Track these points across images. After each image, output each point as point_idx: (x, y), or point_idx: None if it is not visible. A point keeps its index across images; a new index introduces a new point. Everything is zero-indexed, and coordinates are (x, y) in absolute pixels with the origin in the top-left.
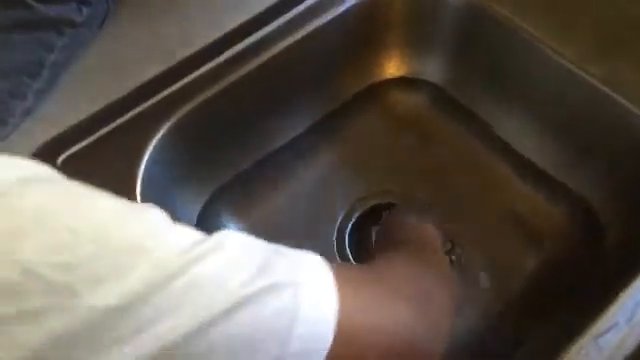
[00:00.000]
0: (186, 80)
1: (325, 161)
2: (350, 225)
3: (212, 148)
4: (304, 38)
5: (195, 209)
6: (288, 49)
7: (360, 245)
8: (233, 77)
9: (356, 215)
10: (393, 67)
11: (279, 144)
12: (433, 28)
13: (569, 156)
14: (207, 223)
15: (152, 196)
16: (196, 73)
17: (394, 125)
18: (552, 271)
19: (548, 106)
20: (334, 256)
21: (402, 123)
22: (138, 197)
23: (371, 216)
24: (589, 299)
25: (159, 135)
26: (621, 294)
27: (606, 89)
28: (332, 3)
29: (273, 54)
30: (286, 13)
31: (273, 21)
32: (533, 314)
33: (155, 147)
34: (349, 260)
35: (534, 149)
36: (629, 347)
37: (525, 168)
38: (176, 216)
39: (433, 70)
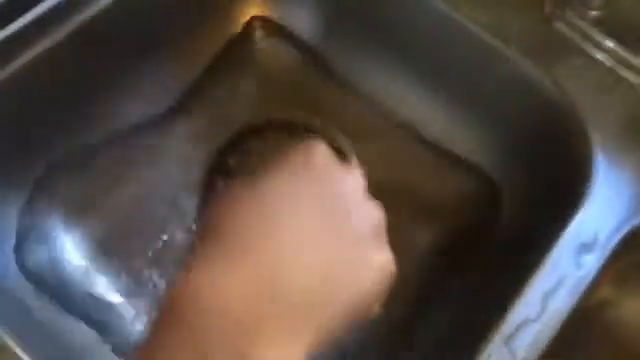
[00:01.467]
0: None
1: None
2: None
3: (33, 130)
4: None
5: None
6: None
7: None
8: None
9: None
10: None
11: (124, 127)
12: None
13: (460, 120)
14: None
15: None
16: None
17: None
18: (447, 250)
19: (435, 63)
20: None
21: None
22: None
23: None
24: (489, 284)
25: None
26: (527, 284)
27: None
28: None
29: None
30: None
31: None
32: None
33: None
34: None
35: (422, 115)
36: (544, 342)
37: (414, 137)
38: None
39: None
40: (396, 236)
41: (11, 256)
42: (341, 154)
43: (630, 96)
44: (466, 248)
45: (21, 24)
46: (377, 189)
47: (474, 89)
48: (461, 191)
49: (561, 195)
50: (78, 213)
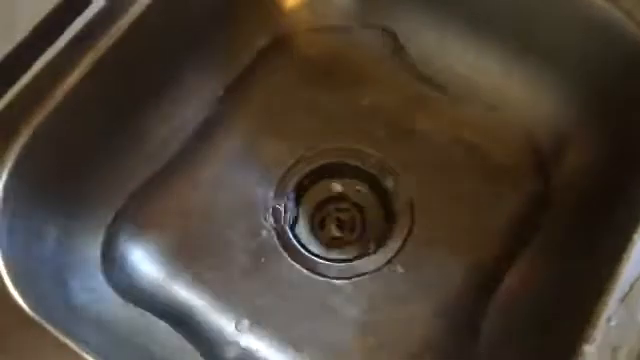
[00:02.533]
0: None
1: (239, 137)
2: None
3: (90, 158)
4: None
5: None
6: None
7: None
8: (87, 62)
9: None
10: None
11: (177, 134)
12: None
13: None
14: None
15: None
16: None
17: (310, 74)
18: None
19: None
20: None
21: (318, 70)
22: None
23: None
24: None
25: (10, 164)
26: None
27: None
28: None
29: (132, 20)
30: None
31: None
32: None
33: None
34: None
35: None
36: None
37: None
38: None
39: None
40: (478, 202)
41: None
42: None
43: None
44: (552, 209)
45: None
46: (446, 156)
47: (534, 37)
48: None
49: None
50: (150, 227)
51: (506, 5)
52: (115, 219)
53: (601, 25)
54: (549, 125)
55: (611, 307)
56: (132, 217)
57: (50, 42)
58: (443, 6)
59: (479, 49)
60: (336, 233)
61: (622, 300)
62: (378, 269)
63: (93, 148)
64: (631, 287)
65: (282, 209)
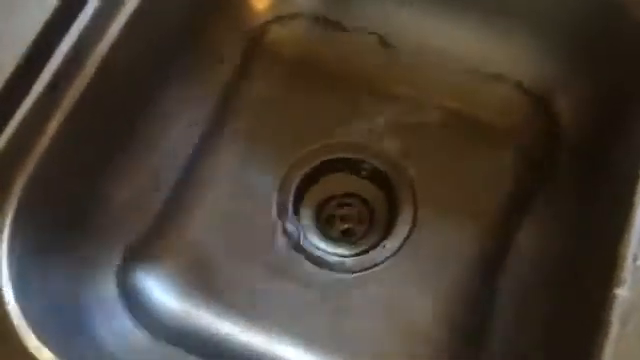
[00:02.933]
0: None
1: (235, 152)
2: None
3: (90, 196)
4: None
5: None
6: (124, 36)
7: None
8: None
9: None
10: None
11: (171, 161)
12: None
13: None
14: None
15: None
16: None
17: (291, 76)
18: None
19: None
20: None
21: (299, 69)
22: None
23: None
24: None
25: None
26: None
27: None
28: None
29: (108, 49)
30: None
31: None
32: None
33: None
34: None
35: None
36: None
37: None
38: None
39: None
40: (479, 169)
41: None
42: None
43: None
44: (553, 164)
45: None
46: (438, 129)
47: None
48: (524, 111)
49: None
50: (163, 259)
51: None
52: (127, 255)
53: None
54: (537, 82)
55: (634, 246)
56: (144, 251)
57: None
58: None
59: (452, 19)
60: (345, 227)
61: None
62: (392, 255)
63: (92, 185)
64: None
65: (289, 214)
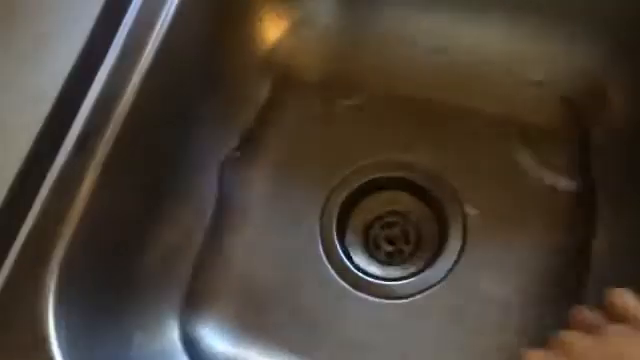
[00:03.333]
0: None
1: (269, 184)
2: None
3: (124, 246)
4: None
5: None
6: (146, 85)
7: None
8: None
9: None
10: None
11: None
12: None
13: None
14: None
15: None
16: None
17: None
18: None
19: None
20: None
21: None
22: None
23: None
24: None
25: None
26: None
27: None
28: None
29: (132, 102)
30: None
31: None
32: None
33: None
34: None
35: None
36: None
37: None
38: None
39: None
40: (526, 176)
41: None
42: None
43: None
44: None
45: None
46: (482, 138)
47: None
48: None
49: None
50: (216, 301)
51: None
52: (180, 306)
53: None
54: (578, 80)
55: None
56: (195, 300)
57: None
58: None
59: (475, 20)
60: (390, 249)
61: None
62: (447, 275)
63: (130, 241)
64: None
65: (333, 241)
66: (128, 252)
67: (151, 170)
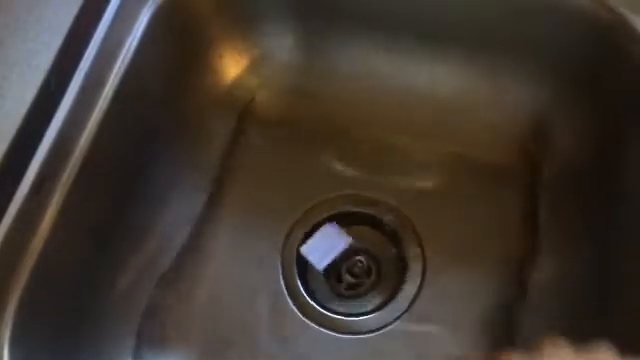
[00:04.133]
0: None
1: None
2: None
3: (86, 282)
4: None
5: None
6: (106, 123)
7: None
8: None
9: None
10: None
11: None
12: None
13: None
14: None
15: None
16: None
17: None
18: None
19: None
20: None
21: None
22: None
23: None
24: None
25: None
26: None
27: None
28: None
29: (91, 139)
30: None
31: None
32: None
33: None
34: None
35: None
36: None
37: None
38: None
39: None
40: (483, 211)
41: None
42: None
43: None
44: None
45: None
46: (436, 174)
47: (488, 34)
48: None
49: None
50: (173, 339)
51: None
52: (137, 341)
53: (541, 3)
54: (531, 115)
55: None
56: (154, 336)
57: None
58: (390, 30)
59: (433, 61)
60: (352, 283)
61: None
62: (406, 310)
63: (91, 278)
64: None
65: (294, 275)
66: (86, 293)
67: (110, 210)
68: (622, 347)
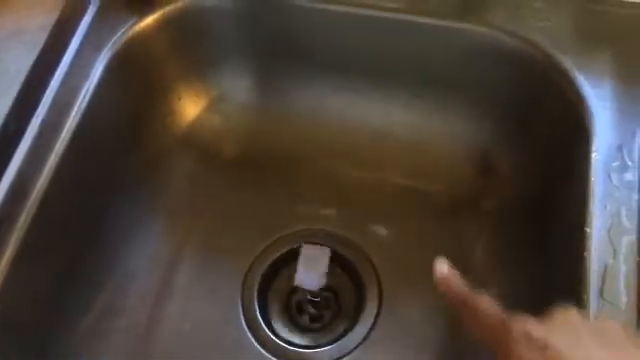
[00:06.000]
0: None
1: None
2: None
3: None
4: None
5: None
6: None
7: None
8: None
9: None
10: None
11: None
12: (213, 42)
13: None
14: None
15: None
16: None
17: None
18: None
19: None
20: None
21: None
22: None
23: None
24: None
25: None
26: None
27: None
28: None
29: (48, 182)
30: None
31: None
32: None
33: None
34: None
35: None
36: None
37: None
38: None
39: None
40: (435, 240)
41: None
42: None
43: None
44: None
45: None
46: (389, 207)
47: (431, 73)
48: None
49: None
50: None
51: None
52: None
53: (482, 46)
54: (476, 149)
55: (594, 305)
56: None
57: None
58: (343, 70)
59: (384, 99)
60: (312, 314)
61: (600, 294)
62: (364, 339)
63: (51, 318)
64: (603, 279)
65: (255, 310)
66: (47, 334)
67: (70, 252)
68: None
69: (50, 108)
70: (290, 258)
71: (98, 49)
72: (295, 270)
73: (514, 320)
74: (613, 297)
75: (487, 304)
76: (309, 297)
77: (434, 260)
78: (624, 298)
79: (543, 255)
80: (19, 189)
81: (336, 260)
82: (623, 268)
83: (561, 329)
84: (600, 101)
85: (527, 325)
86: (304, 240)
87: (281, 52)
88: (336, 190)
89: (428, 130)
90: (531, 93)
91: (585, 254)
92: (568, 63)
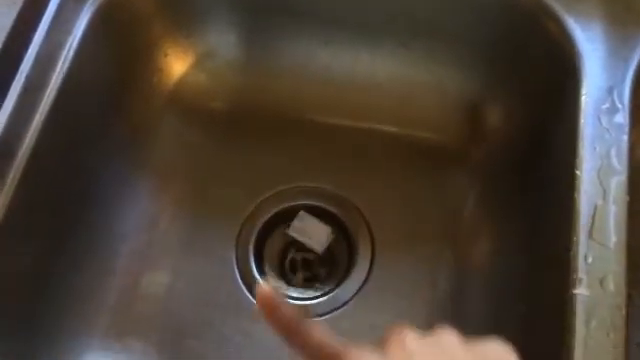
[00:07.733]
0: None
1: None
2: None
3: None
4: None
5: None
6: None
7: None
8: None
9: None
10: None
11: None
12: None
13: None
14: None
15: None
16: None
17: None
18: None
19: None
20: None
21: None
22: None
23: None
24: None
25: None
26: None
27: None
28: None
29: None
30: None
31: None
32: None
33: None
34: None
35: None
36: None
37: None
38: None
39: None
40: (424, 190)
41: None
42: None
43: None
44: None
45: None
46: (376, 158)
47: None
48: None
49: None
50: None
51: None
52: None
53: None
54: (465, 97)
55: (583, 246)
56: (113, 332)
57: None
58: (329, 22)
59: (370, 50)
60: (307, 274)
61: (590, 235)
62: (358, 291)
63: (45, 280)
64: (592, 219)
65: (251, 269)
66: (40, 293)
67: (59, 212)
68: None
69: (34, 64)
70: (282, 214)
71: (81, 2)
72: (288, 226)
73: (349, 351)
74: (602, 237)
75: (321, 333)
76: (303, 256)
77: (425, 212)
78: (613, 238)
79: (534, 202)
80: (5, 149)
81: (326, 217)
82: (613, 209)
83: (396, 356)
84: (590, 44)
85: (362, 356)
86: (300, 201)
87: (267, 6)
88: (326, 144)
89: (416, 79)
90: (520, 38)
91: (575, 195)
92: (557, 6)
